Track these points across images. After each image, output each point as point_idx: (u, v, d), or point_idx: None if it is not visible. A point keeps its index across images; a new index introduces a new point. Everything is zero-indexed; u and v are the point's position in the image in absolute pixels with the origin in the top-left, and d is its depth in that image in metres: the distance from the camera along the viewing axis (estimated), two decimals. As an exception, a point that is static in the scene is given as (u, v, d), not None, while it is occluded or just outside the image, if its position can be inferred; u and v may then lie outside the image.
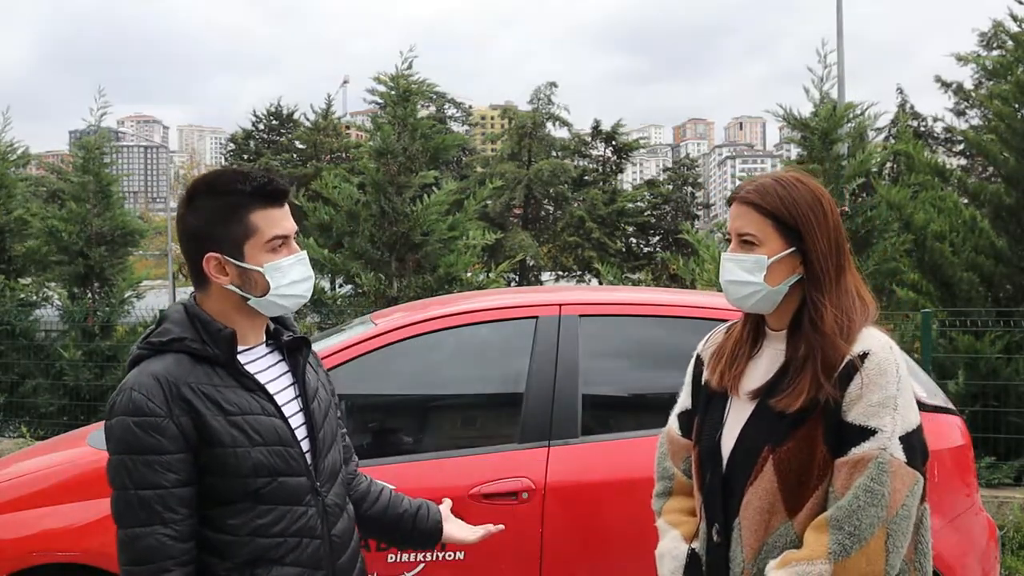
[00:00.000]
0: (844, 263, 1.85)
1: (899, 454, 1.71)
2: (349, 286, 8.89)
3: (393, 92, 8.87)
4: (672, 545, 1.99)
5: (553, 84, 37.02)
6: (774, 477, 1.77)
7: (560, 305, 3.55)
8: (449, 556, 3.16)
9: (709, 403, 1.97)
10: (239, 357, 1.87)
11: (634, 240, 37.46)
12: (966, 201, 7.73)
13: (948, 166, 8.71)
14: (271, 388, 1.90)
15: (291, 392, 1.95)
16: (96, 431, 3.95)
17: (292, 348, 1.99)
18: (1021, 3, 7.84)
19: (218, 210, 1.84)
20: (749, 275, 1.84)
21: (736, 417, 1.89)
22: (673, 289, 9.35)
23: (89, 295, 9.38)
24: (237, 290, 1.85)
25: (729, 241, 1.92)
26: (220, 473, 1.78)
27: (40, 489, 3.34)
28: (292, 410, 1.92)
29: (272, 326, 2.00)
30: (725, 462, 1.88)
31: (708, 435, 1.94)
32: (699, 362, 2.09)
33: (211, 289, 1.88)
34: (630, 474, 3.25)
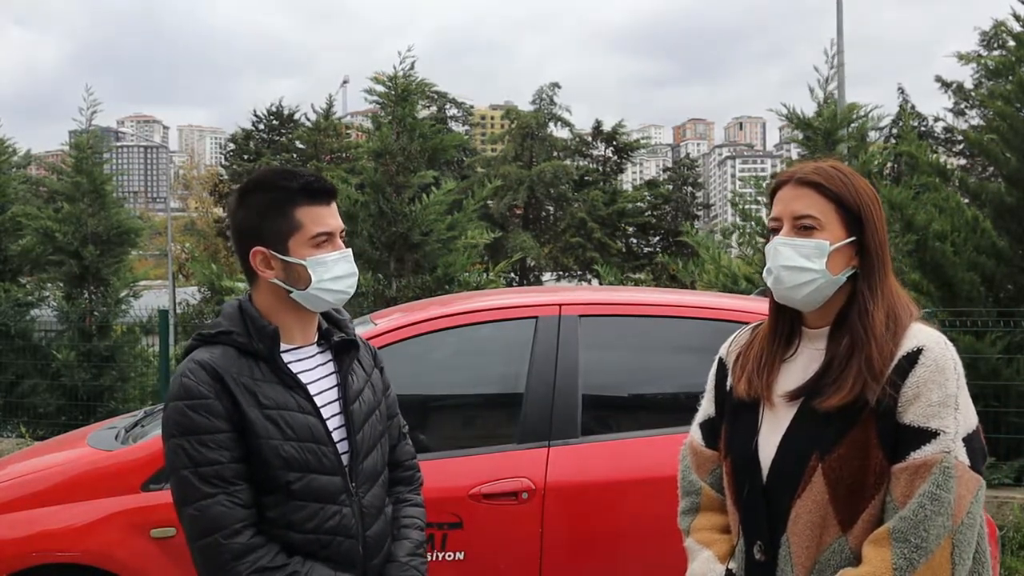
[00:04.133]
0: (888, 258, 1.75)
1: (963, 457, 1.57)
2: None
3: (392, 92, 8.86)
4: (706, 567, 1.81)
5: (556, 85, 37.07)
6: (824, 488, 1.62)
7: (560, 305, 3.55)
8: (449, 556, 3.16)
9: (738, 410, 1.82)
10: (284, 355, 1.95)
11: (634, 240, 37.46)
12: (967, 201, 7.72)
13: (949, 166, 8.70)
14: (313, 388, 1.97)
15: (334, 393, 2.01)
16: (96, 431, 3.95)
17: (340, 350, 2.05)
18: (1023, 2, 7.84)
19: (265, 206, 1.93)
20: (808, 261, 1.68)
21: (773, 423, 1.73)
22: (673, 289, 9.35)
23: (86, 295, 9.36)
24: (281, 284, 1.93)
25: (774, 231, 1.76)
26: (255, 462, 1.86)
27: (40, 489, 3.33)
28: (332, 411, 1.99)
29: (324, 325, 2.07)
30: (765, 473, 1.72)
31: (741, 444, 1.78)
32: (722, 366, 1.94)
33: (260, 284, 1.97)
34: (630, 474, 3.25)
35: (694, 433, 1.96)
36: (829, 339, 1.71)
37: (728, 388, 1.88)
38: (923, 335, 1.66)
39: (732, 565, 1.79)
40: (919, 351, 1.63)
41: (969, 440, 1.59)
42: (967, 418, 1.61)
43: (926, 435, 1.58)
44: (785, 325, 1.80)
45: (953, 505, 1.55)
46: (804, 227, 1.71)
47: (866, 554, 1.58)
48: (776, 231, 1.76)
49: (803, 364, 1.75)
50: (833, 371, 1.67)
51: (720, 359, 1.96)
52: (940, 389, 1.59)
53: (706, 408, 1.96)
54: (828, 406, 1.64)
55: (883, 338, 1.65)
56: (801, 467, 1.65)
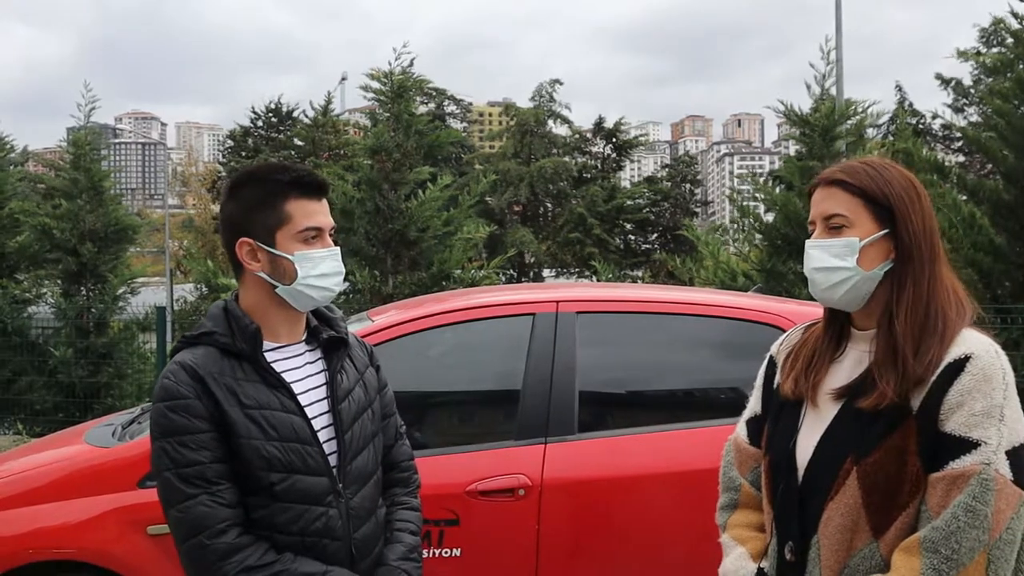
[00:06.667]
0: (938, 252, 1.68)
1: (1005, 470, 1.52)
2: (345, 283, 8.88)
3: (388, 89, 8.84)
4: (738, 564, 1.80)
5: (557, 82, 37.04)
6: (858, 492, 1.60)
7: (557, 302, 3.54)
8: (446, 553, 3.16)
9: (782, 409, 1.81)
10: (268, 354, 1.92)
11: (633, 237, 37.49)
12: (964, 198, 7.73)
13: (947, 163, 8.71)
14: (300, 387, 1.93)
15: (322, 392, 1.97)
16: (93, 428, 3.94)
17: (329, 347, 2.02)
18: (1022, 0, 7.84)
19: (255, 197, 1.91)
20: (839, 260, 1.66)
21: (813, 423, 1.72)
22: (671, 286, 9.36)
23: (83, 292, 9.35)
24: (267, 277, 1.90)
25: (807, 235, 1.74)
26: (238, 463, 1.84)
27: (37, 486, 3.33)
28: (320, 410, 1.95)
29: (313, 322, 2.03)
30: (801, 473, 1.70)
31: (780, 442, 1.77)
32: (771, 364, 1.92)
33: (246, 278, 1.94)
34: (627, 471, 3.25)
35: (739, 430, 1.96)
36: (875, 340, 1.68)
37: (775, 386, 1.87)
38: (972, 341, 1.62)
39: (764, 564, 1.78)
40: (967, 359, 1.59)
41: (1015, 453, 1.54)
42: (1014, 431, 1.55)
43: (966, 445, 1.53)
44: (836, 325, 1.78)
45: (990, 519, 1.50)
46: (833, 227, 1.69)
47: (895, 562, 1.56)
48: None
49: (850, 366, 1.72)
50: (874, 373, 1.64)
51: (770, 357, 1.94)
52: (985, 399, 1.55)
53: (752, 405, 1.94)
54: (865, 406, 1.61)
55: (926, 339, 1.61)
56: (835, 469, 1.63)
